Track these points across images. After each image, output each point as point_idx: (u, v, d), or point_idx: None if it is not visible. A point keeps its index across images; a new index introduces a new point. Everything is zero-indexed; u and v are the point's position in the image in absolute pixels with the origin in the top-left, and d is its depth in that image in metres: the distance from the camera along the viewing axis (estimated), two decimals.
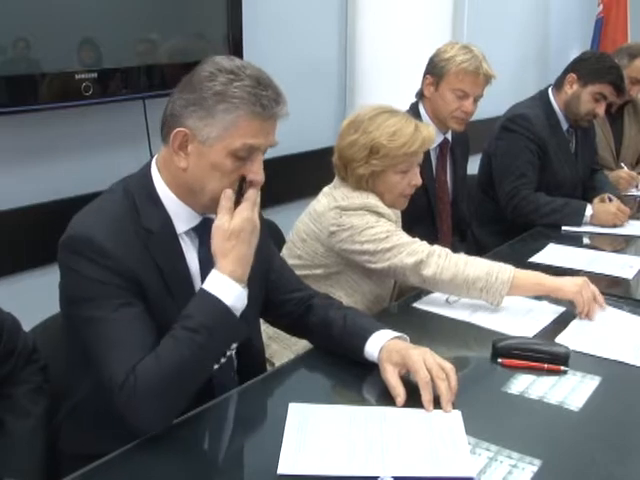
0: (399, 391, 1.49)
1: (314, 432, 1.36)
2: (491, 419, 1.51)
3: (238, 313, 1.43)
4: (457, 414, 1.46)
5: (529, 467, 1.31)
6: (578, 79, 3.07)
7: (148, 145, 2.56)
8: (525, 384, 1.63)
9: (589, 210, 2.89)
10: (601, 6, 5.75)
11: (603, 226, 2.87)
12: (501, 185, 3.04)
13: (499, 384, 1.63)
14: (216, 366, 1.44)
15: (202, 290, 1.43)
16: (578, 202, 2.97)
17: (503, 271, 1.96)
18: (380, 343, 1.60)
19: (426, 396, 1.47)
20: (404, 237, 2.07)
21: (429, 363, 1.50)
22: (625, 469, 1.35)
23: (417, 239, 2.08)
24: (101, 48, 2.37)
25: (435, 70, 2.70)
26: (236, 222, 1.44)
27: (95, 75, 2.31)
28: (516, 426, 1.49)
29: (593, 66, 3.07)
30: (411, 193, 2.18)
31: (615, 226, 2.87)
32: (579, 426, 1.50)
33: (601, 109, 3.09)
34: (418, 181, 2.16)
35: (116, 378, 1.35)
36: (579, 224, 2.89)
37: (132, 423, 1.35)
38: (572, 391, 1.60)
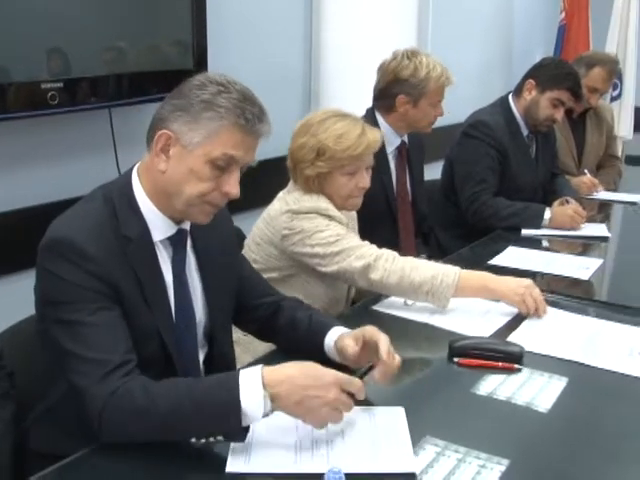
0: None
1: (261, 431, 1.37)
2: (460, 421, 1.53)
3: (247, 420, 1.33)
4: (400, 410, 1.48)
5: (497, 467, 1.33)
6: (536, 85, 3.14)
7: (114, 154, 2.57)
8: (493, 385, 1.65)
9: (548, 213, 2.94)
10: (563, 13, 5.83)
11: (561, 228, 2.92)
12: (462, 190, 3.09)
13: (467, 386, 1.65)
14: (193, 440, 1.36)
15: (234, 375, 1.35)
16: (537, 206, 3.03)
17: (448, 274, 1.99)
18: (336, 335, 1.65)
19: (385, 368, 1.53)
20: (353, 241, 2.10)
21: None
22: (592, 469, 1.38)
23: (367, 242, 2.11)
24: (67, 57, 2.38)
25: (414, 90, 2.69)
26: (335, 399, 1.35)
27: (61, 84, 2.32)
28: (484, 427, 1.51)
29: (551, 72, 3.14)
30: (359, 195, 2.20)
31: (573, 228, 2.93)
32: (547, 426, 1.52)
33: (559, 115, 3.17)
34: (366, 184, 2.19)
35: (91, 388, 1.36)
36: (538, 227, 2.94)
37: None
38: (540, 392, 1.62)
